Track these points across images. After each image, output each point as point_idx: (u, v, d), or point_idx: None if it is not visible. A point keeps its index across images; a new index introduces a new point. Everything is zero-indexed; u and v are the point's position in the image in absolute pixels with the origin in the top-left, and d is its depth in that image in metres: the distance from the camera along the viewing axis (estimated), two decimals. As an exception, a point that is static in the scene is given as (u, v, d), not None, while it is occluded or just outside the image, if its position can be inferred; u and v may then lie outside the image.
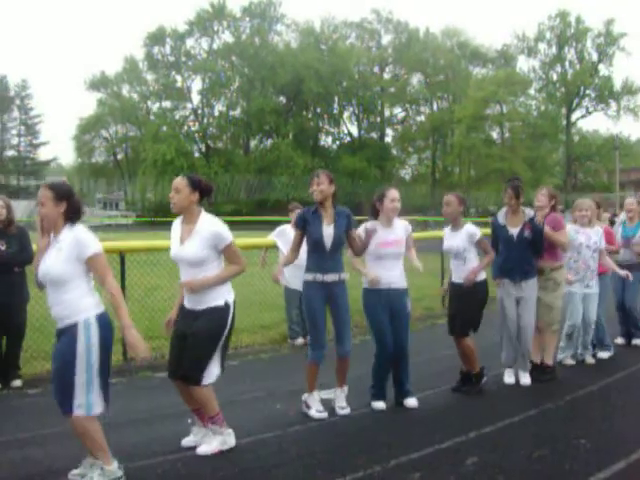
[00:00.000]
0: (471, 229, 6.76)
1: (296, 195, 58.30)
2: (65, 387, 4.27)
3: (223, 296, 5.09)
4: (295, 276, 9.02)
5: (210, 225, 5.06)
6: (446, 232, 7.03)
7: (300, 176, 67.98)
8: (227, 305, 5.09)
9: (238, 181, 72.28)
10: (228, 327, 5.11)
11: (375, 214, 6.45)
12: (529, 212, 7.17)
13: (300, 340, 9.26)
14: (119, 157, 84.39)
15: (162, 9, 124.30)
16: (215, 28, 78.45)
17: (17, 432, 5.59)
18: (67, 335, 4.30)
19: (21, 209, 26.37)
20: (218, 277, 5.06)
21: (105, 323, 4.42)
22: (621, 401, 6.55)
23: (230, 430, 5.17)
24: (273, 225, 10.61)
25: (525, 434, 5.54)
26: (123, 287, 8.21)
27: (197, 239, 5.00)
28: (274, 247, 9.56)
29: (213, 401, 5.09)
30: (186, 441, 5.23)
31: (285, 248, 9.26)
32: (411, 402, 6.38)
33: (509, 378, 7.22)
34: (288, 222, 9.61)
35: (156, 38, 77.82)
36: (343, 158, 72.39)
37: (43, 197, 4.37)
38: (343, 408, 6.09)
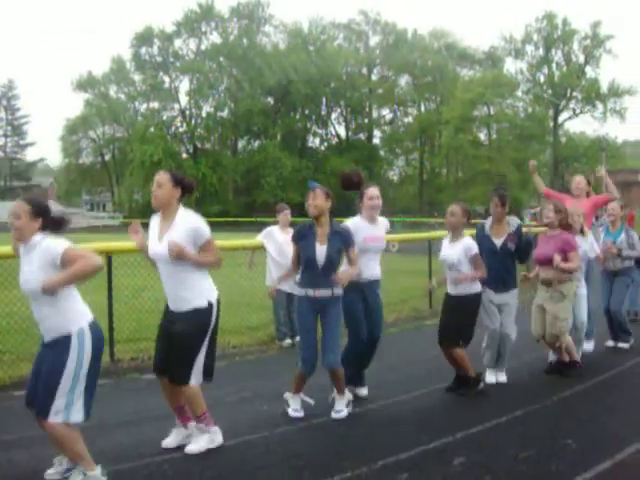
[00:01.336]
0: (468, 243, 6.74)
1: (284, 196, 58.47)
2: (47, 392, 4.20)
3: (205, 295, 5.05)
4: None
5: (189, 221, 5.00)
6: (444, 242, 7.02)
7: (288, 177, 68.10)
8: (210, 305, 5.05)
9: (226, 182, 72.29)
10: (212, 326, 5.08)
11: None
12: (514, 222, 7.20)
13: (288, 341, 9.25)
14: (106, 158, 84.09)
15: (150, 9, 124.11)
16: (203, 29, 78.40)
17: (2, 434, 5.55)
18: (59, 345, 4.22)
19: (8, 211, 26.15)
20: (197, 257, 4.99)
21: (97, 331, 4.36)
22: (607, 401, 6.59)
23: (217, 428, 5.17)
24: (261, 226, 10.61)
25: (512, 434, 5.56)
26: (110, 288, 8.19)
27: (175, 235, 4.94)
28: (261, 248, 9.55)
29: (200, 400, 5.07)
30: (166, 442, 5.20)
31: (272, 249, 9.27)
32: (363, 391, 6.57)
33: (490, 377, 7.24)
34: (276, 223, 9.61)
35: (143, 38, 77.63)
36: (331, 159, 72.45)
37: (20, 210, 4.28)
38: (338, 412, 6.01)
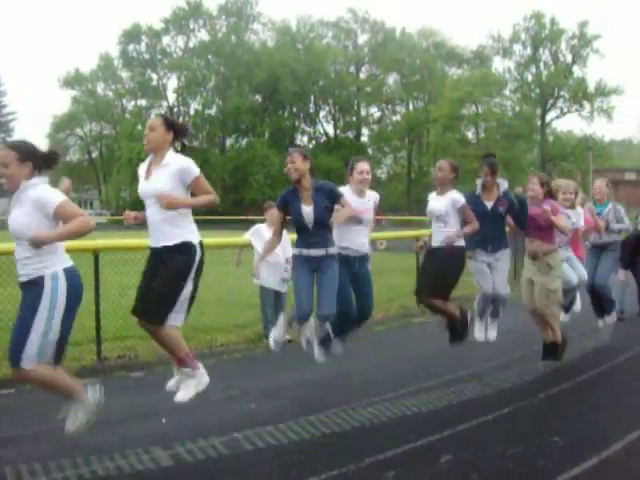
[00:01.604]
0: (455, 195, 6.80)
1: (272, 194, 58.32)
2: (19, 337, 4.21)
3: (188, 236, 5.01)
4: (271, 275, 9.04)
5: (177, 159, 5.00)
6: (431, 197, 7.07)
7: (276, 175, 67.98)
8: (193, 244, 5.01)
9: (214, 180, 72.04)
10: (196, 265, 5.01)
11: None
12: (503, 184, 7.22)
13: (275, 339, 9.23)
14: (94, 155, 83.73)
15: (138, 6, 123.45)
16: (191, 26, 78.16)
17: (-11, 432, 5.53)
18: (32, 287, 4.25)
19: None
20: (192, 200, 5.00)
21: (73, 278, 4.35)
22: (594, 398, 6.61)
23: (201, 368, 5.16)
24: (249, 224, 10.59)
25: (499, 432, 5.57)
26: (97, 286, 8.16)
27: (163, 173, 4.94)
28: (249, 246, 9.54)
29: (180, 342, 5.06)
30: (170, 385, 5.22)
31: (260, 247, 9.25)
32: (338, 348, 6.59)
33: (479, 333, 7.28)
34: (264, 221, 9.60)
35: (131, 36, 77.32)
36: (319, 157, 72.23)
37: (6, 158, 4.27)
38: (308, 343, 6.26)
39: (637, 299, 11.51)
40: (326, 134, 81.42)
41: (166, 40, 78.70)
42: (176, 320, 5.02)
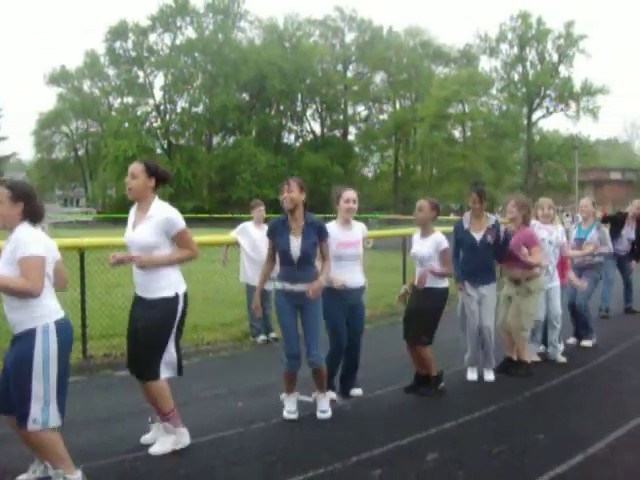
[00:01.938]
0: (439, 238, 6.73)
1: (259, 192, 58.29)
2: (21, 399, 4.11)
3: (173, 287, 5.01)
4: (257, 273, 9.02)
5: (162, 211, 4.99)
6: (415, 238, 7.01)
7: (263, 173, 67.91)
8: (177, 296, 5.00)
9: (200, 178, 71.95)
10: (177, 319, 5.01)
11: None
12: (492, 217, 7.27)
13: (262, 337, 9.24)
14: (80, 153, 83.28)
15: (124, 3, 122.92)
16: (178, 24, 77.83)
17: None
18: (23, 341, 4.13)
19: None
20: (169, 257, 5.00)
21: (64, 328, 4.25)
22: (578, 397, 6.66)
23: (184, 429, 5.11)
24: (235, 222, 10.57)
25: (485, 430, 5.60)
26: (83, 284, 8.13)
27: (149, 224, 4.94)
28: (235, 244, 9.53)
29: (167, 398, 5.02)
30: (145, 439, 5.19)
31: (247, 246, 9.25)
32: (357, 391, 6.59)
33: (472, 375, 7.28)
34: (250, 219, 9.59)
35: (118, 33, 76.90)
36: (306, 155, 72.40)
37: (0, 196, 4.22)
38: (324, 412, 5.94)
39: (623, 297, 11.61)
40: (313, 132, 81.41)
41: (153, 37, 78.43)
42: (164, 372, 5.00)
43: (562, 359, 8.12)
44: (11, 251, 4.13)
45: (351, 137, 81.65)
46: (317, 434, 5.50)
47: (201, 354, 8.54)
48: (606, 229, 9.56)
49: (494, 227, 7.17)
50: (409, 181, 74.63)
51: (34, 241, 4.13)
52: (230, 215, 38.70)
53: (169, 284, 4.99)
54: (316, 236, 5.87)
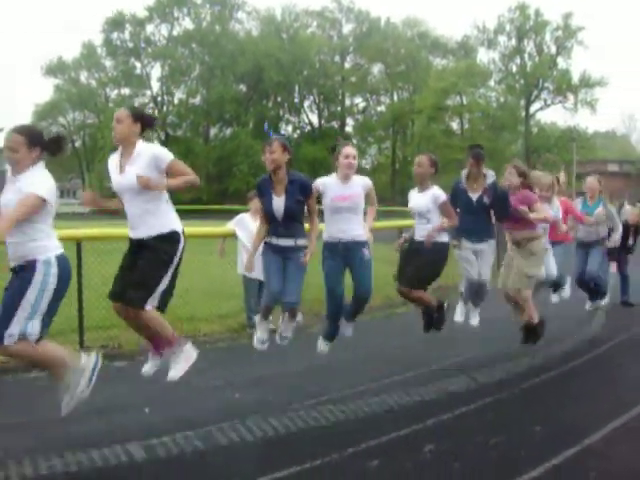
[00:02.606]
0: (437, 192, 6.77)
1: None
2: (4, 315, 4.23)
3: (173, 224, 5.05)
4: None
5: (148, 148, 5.01)
6: (412, 193, 7.03)
7: (260, 165, 67.53)
8: (177, 233, 5.04)
9: (198, 170, 71.37)
10: (178, 255, 5.04)
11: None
12: (490, 175, 7.24)
13: (259, 329, 9.22)
14: (77, 144, 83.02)
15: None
16: (175, 14, 77.57)
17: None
18: (25, 271, 4.28)
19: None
20: (170, 181, 4.99)
21: (64, 265, 4.41)
22: (575, 388, 6.67)
23: (188, 343, 5.19)
24: (233, 214, 10.54)
25: (481, 421, 5.60)
26: (80, 275, 8.11)
27: (138, 163, 4.94)
28: (233, 236, 9.51)
29: (163, 321, 5.07)
30: (145, 370, 5.26)
31: (244, 237, 9.23)
32: (348, 331, 6.61)
33: (460, 317, 7.34)
34: (247, 211, 9.57)
35: (115, 24, 76.61)
36: (303, 147, 72.25)
37: (15, 143, 4.32)
38: (284, 338, 6.22)
39: (620, 289, 11.62)
40: (310, 124, 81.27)
41: (150, 28, 78.13)
42: (154, 301, 5.02)
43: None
44: (22, 192, 4.28)
45: (349, 129, 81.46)
46: (314, 426, 5.50)
47: (198, 345, 8.40)
48: (612, 206, 9.56)
49: (491, 187, 7.17)
50: (407, 173, 74.47)
51: (46, 184, 4.42)
52: (227, 207, 38.65)
53: (169, 220, 5.04)
54: (300, 194, 5.89)
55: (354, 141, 78.24)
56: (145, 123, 5.14)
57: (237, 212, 10.43)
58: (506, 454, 4.85)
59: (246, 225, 9.27)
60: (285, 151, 5.91)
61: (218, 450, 4.91)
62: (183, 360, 5.11)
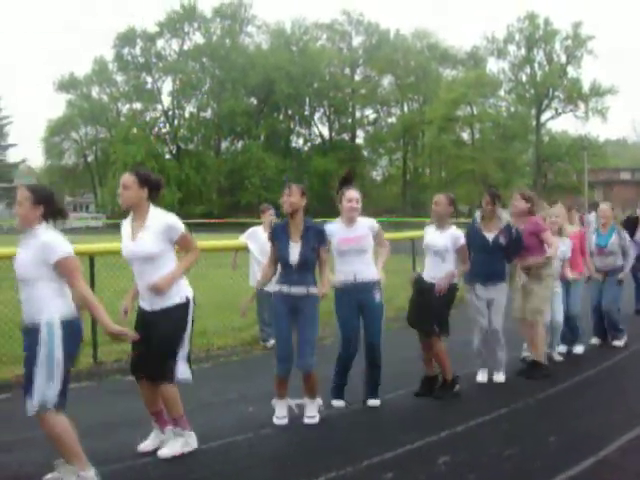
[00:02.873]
0: (457, 233, 6.73)
1: (268, 197, 58.33)
2: (26, 387, 4.26)
3: (182, 292, 5.03)
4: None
5: (161, 218, 4.99)
6: (429, 230, 6.95)
7: (272, 177, 67.96)
8: (187, 300, 5.03)
9: (210, 183, 72.08)
10: (190, 323, 5.05)
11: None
12: (505, 217, 7.26)
13: (272, 342, 9.21)
14: (89, 159, 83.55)
15: (132, 10, 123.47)
16: (185, 29, 78.19)
17: (-15, 438, 5.51)
18: (31, 334, 4.28)
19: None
20: (182, 269, 5.03)
21: (72, 329, 4.37)
22: (590, 398, 6.63)
23: (192, 432, 5.12)
24: (245, 227, 10.56)
25: (496, 432, 5.58)
26: (93, 290, 8.13)
27: (150, 233, 4.93)
28: (245, 249, 9.53)
29: (178, 402, 5.03)
30: (143, 446, 5.15)
31: (256, 250, 9.24)
32: (373, 402, 6.42)
33: (482, 377, 7.26)
34: (260, 224, 9.59)
35: (126, 39, 77.27)
36: (314, 159, 72.51)
37: (21, 197, 4.35)
38: (311, 417, 5.88)
39: (635, 297, 11.56)
40: (321, 136, 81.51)
41: (161, 43, 78.82)
42: (179, 374, 5.00)
43: (558, 357, 8.24)
44: (38, 253, 4.28)
45: (359, 140, 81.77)
46: (327, 439, 5.49)
47: (211, 359, 8.54)
48: (626, 234, 9.45)
49: (507, 228, 7.17)
50: (418, 184, 74.61)
51: (61, 243, 4.35)
52: (239, 220, 38.72)
53: (178, 289, 5.01)
54: (315, 241, 5.85)
55: (365, 153, 78.48)
56: (152, 187, 5.09)
57: (249, 225, 10.45)
58: (521, 465, 4.82)
59: (258, 238, 9.28)
60: (303, 196, 5.89)
61: (232, 463, 4.90)
62: (180, 445, 5.03)
